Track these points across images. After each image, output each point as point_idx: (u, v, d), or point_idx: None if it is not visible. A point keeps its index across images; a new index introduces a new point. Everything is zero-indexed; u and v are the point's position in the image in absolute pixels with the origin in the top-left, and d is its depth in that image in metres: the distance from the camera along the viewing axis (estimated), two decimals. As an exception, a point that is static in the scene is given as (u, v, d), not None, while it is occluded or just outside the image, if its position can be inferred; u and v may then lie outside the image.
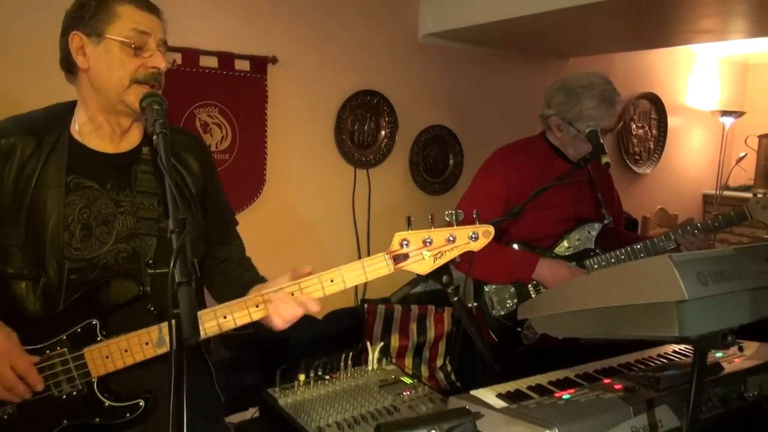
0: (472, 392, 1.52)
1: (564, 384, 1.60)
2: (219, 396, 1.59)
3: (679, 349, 1.84)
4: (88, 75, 1.32)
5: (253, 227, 2.79)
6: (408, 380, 2.08)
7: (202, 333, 1.31)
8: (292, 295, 1.33)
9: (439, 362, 3.00)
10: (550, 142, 2.16)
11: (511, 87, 3.67)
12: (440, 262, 1.40)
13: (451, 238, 1.38)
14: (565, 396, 1.49)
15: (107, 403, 1.28)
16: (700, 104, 4.91)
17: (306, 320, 3.10)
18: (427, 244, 1.38)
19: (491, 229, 1.40)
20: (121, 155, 1.41)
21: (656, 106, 4.60)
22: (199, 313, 1.32)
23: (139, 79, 1.31)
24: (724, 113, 4.70)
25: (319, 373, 2.04)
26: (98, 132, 1.38)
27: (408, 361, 2.90)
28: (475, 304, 2.23)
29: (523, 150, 2.16)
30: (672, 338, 1.14)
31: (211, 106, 2.65)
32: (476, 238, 1.39)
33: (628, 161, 4.49)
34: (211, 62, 2.63)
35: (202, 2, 2.60)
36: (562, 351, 1.78)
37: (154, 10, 1.35)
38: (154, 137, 1.19)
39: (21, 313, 1.29)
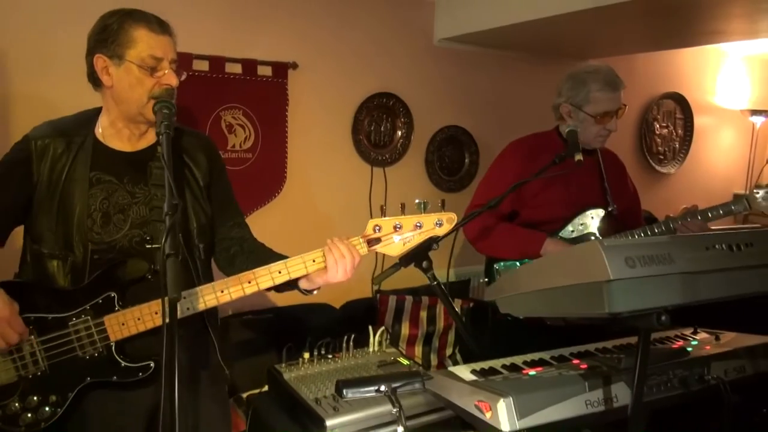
0: (450, 368, 1.68)
1: (537, 363, 1.74)
2: (223, 368, 1.78)
3: (672, 336, 1.94)
4: (111, 91, 1.55)
5: (274, 221, 3.03)
6: (405, 361, 2.25)
7: (202, 306, 1.52)
8: (279, 273, 1.53)
9: (449, 351, 3.15)
10: (561, 136, 2.31)
11: (527, 88, 3.77)
12: (409, 245, 1.57)
13: (418, 224, 1.55)
14: (532, 372, 1.63)
15: (123, 363, 1.51)
16: (729, 103, 4.87)
17: (324, 308, 3.31)
18: (397, 229, 1.56)
19: (453, 216, 1.57)
20: (138, 153, 1.63)
21: (681, 105, 4.60)
22: (200, 288, 1.53)
23: (155, 96, 1.52)
24: (755, 112, 4.65)
25: (322, 352, 2.23)
26: (118, 135, 1.61)
27: (418, 350, 3.06)
28: (486, 279, 2.39)
29: (535, 143, 2.31)
30: (605, 315, 1.26)
31: (235, 109, 2.88)
32: (441, 225, 1.56)
33: (651, 161, 4.51)
34: (236, 68, 2.86)
35: (228, 14, 2.83)
36: (561, 331, 1.89)
37: (166, 30, 1.56)
38: (159, 136, 1.40)
39: (53, 286, 1.53)
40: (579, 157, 1.84)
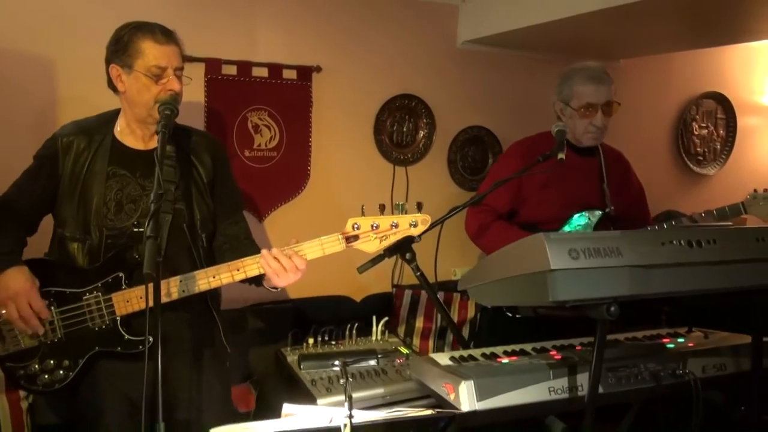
0: (431, 355, 1.79)
1: (515, 354, 1.81)
2: (225, 346, 1.95)
3: (664, 333, 1.96)
4: (125, 96, 1.76)
5: (298, 217, 3.20)
6: (405, 350, 2.37)
7: (194, 288, 1.69)
8: (237, 270, 1.70)
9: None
10: None
11: (552, 89, 3.78)
12: (385, 243, 1.70)
13: (394, 224, 1.68)
14: (505, 361, 1.71)
15: (126, 336, 1.70)
16: (778, 103, 4.68)
17: (345, 301, 3.46)
18: (374, 228, 1.69)
19: (428, 218, 1.69)
20: (150, 151, 1.82)
21: (723, 105, 4.47)
22: (195, 273, 1.71)
23: (160, 101, 1.71)
24: (806, 112, 4.46)
25: (326, 338, 2.38)
26: (133, 134, 1.81)
27: (431, 343, 3.15)
28: None
29: (536, 142, 2.38)
30: (550, 303, 1.34)
31: (261, 110, 3.07)
32: (415, 225, 1.68)
33: (689, 162, 4.41)
34: (262, 72, 3.05)
35: (254, 21, 3.02)
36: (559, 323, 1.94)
37: (171, 40, 1.75)
38: (157, 134, 1.57)
39: (72, 265, 1.74)
40: (561, 155, 1.90)
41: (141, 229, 1.75)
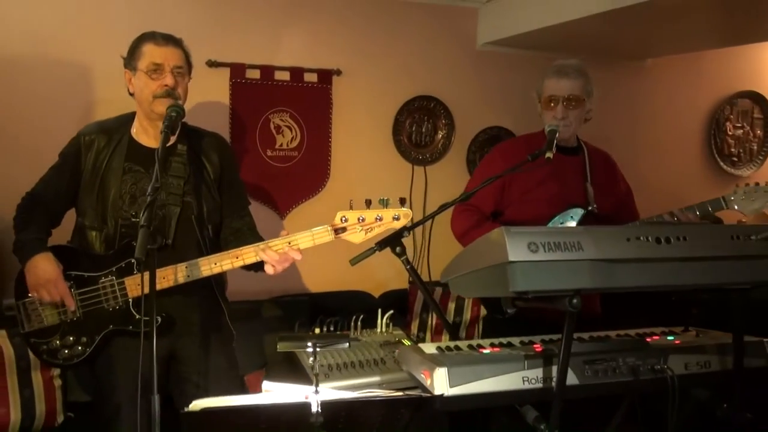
0: (420, 345, 1.87)
1: (499, 345, 1.87)
2: (231, 329, 2.10)
3: (658, 331, 1.97)
4: (135, 96, 1.93)
5: (318, 214, 3.33)
6: (408, 342, 2.45)
7: (198, 274, 1.84)
8: (236, 258, 1.84)
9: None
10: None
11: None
12: (370, 235, 1.81)
13: (379, 218, 1.78)
14: (486, 351, 1.78)
15: (137, 316, 1.86)
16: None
17: (363, 296, 3.58)
18: (361, 221, 1.80)
19: (409, 212, 1.81)
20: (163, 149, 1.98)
21: (760, 105, 4.34)
22: (201, 259, 1.85)
23: (157, 95, 1.87)
24: None
25: (332, 328, 2.49)
26: (146, 133, 1.98)
27: (445, 338, 3.22)
28: None
29: (520, 143, 2.43)
30: (512, 294, 1.40)
31: (283, 112, 3.22)
32: (398, 219, 1.78)
33: (722, 163, 4.30)
34: (284, 76, 3.20)
35: (277, 27, 3.17)
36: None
37: (170, 43, 1.92)
38: (161, 133, 1.72)
39: (91, 252, 1.92)
40: (549, 154, 1.95)
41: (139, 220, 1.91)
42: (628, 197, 2.49)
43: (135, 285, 1.85)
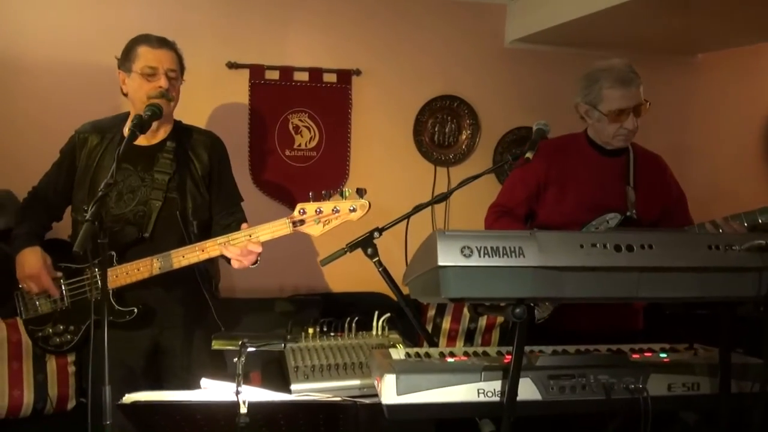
0: (390, 349, 1.83)
1: (471, 354, 1.79)
2: (219, 324, 2.14)
3: (656, 348, 1.82)
4: (129, 97, 2.01)
5: (336, 214, 3.33)
6: (401, 347, 2.40)
7: (169, 266, 1.88)
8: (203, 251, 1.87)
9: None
10: (588, 137, 2.31)
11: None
12: (328, 227, 1.79)
13: (336, 209, 1.76)
14: (450, 360, 1.71)
15: (116, 306, 1.93)
16: None
17: (379, 297, 3.54)
18: (318, 213, 1.77)
19: (366, 203, 1.77)
20: (151, 147, 2.05)
21: (833, 103, 3.92)
22: (171, 252, 1.90)
23: (151, 96, 1.93)
24: None
25: (325, 329, 2.47)
26: None
27: (459, 344, 3.13)
28: None
29: (559, 144, 2.33)
30: (444, 300, 1.33)
31: (301, 112, 3.25)
32: (354, 210, 1.75)
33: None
34: (303, 76, 3.23)
35: (296, 27, 3.20)
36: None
37: (164, 45, 1.97)
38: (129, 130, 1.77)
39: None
40: (528, 155, 1.84)
41: (137, 216, 2.00)
42: (679, 204, 2.31)
43: (114, 277, 1.92)
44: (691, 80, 3.78)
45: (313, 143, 3.28)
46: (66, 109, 2.93)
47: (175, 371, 2.08)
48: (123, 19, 2.97)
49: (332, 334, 2.47)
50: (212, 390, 1.40)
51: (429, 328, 3.16)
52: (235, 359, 1.42)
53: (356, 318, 2.49)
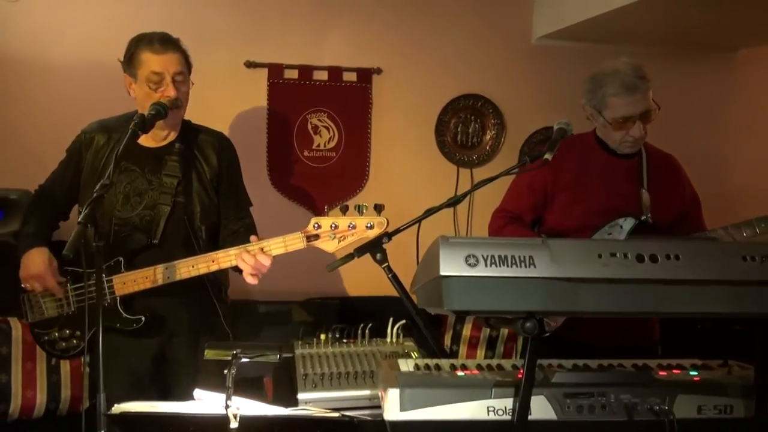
0: (399, 360, 1.74)
1: (489, 369, 1.69)
2: (227, 331, 2.08)
3: (686, 365, 1.69)
4: (137, 102, 1.97)
5: (355, 215, 3.26)
6: (416, 355, 2.30)
7: (177, 276, 1.83)
8: (213, 261, 1.81)
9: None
10: (598, 137, 2.20)
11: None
12: (343, 243, 1.71)
13: (352, 225, 1.69)
14: (460, 374, 1.61)
15: (123, 314, 1.89)
16: None
17: (398, 303, 3.46)
18: (333, 228, 1.70)
19: (384, 220, 1.70)
20: (159, 149, 2.01)
21: None
22: (179, 262, 1.84)
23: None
24: None
25: (337, 335, 2.39)
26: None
27: (480, 352, 3.02)
28: None
29: (567, 145, 2.20)
30: (447, 312, 1.24)
31: (321, 112, 3.19)
32: (371, 227, 1.68)
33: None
34: (323, 75, 3.17)
35: (315, 26, 3.14)
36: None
37: (167, 48, 1.91)
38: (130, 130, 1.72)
39: (88, 249, 1.96)
40: (547, 156, 1.73)
41: (144, 221, 1.95)
42: (693, 206, 2.18)
43: (121, 283, 1.88)
44: (732, 77, 3.58)
45: (333, 143, 3.22)
46: (87, 108, 2.90)
47: (181, 379, 2.03)
48: (142, 18, 2.95)
49: (345, 340, 2.38)
50: (205, 401, 1.34)
51: (449, 335, 3.06)
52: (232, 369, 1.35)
53: (369, 324, 2.39)
